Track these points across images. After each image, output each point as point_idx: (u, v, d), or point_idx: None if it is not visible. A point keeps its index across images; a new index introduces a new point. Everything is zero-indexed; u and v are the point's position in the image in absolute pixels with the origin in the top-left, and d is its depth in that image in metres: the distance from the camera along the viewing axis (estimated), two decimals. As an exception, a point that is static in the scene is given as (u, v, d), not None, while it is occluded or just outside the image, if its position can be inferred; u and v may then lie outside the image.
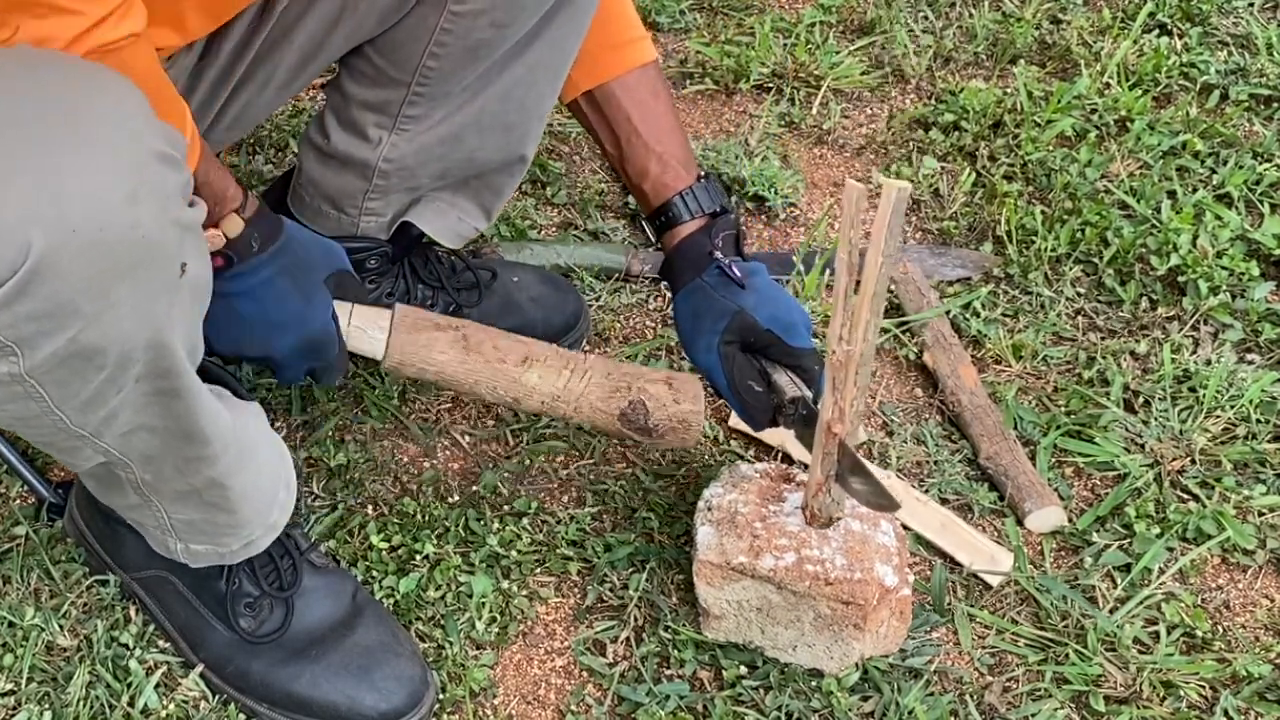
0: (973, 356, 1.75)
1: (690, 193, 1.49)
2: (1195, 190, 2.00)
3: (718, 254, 1.46)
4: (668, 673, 1.38)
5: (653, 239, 1.54)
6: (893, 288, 1.83)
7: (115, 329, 0.99)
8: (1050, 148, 2.08)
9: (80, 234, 0.93)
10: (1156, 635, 1.43)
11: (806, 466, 1.35)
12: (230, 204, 1.24)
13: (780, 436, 1.54)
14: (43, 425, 1.06)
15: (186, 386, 1.10)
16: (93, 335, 0.98)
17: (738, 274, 1.45)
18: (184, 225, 1.02)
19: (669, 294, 1.64)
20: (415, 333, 1.37)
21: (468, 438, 1.63)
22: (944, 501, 1.57)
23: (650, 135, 1.51)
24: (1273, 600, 1.50)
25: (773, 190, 1.99)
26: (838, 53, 2.28)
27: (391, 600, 1.42)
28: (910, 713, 1.33)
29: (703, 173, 1.52)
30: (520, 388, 1.38)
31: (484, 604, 1.42)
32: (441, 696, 1.35)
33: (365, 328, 1.36)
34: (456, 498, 1.54)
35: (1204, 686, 1.38)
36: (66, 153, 0.94)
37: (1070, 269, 1.88)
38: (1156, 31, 2.36)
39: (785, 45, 2.29)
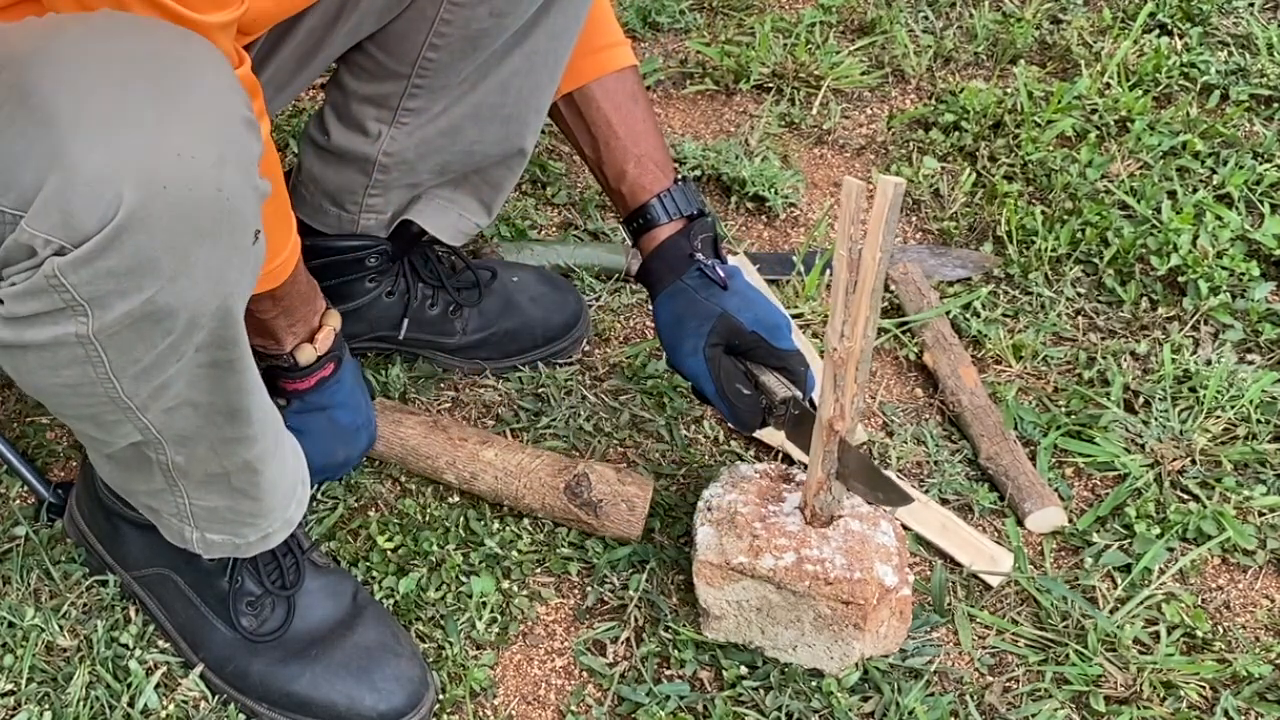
0: (973, 357, 1.75)
1: (668, 195, 1.49)
2: (1195, 190, 1.99)
3: (698, 255, 1.46)
4: (668, 673, 1.38)
5: (629, 242, 1.54)
6: (893, 288, 1.83)
7: (190, 292, 0.99)
8: (1050, 148, 2.08)
9: (170, 191, 0.94)
10: (1157, 635, 1.43)
11: (806, 466, 1.35)
12: (322, 309, 1.33)
13: (778, 437, 1.54)
14: (92, 394, 1.05)
15: (242, 359, 1.10)
16: (168, 296, 0.98)
17: (720, 275, 1.44)
18: (261, 193, 1.02)
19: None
20: (387, 411, 1.55)
21: (468, 438, 1.63)
22: (944, 502, 1.57)
23: (628, 138, 1.51)
24: (1273, 600, 1.50)
25: (773, 190, 1.99)
26: (838, 53, 2.28)
27: (391, 600, 1.42)
28: (910, 713, 1.33)
29: (679, 176, 1.51)
30: (477, 462, 1.50)
31: (484, 604, 1.42)
32: (441, 697, 1.35)
33: None
34: (456, 498, 1.54)
35: (1204, 687, 1.38)
36: (159, 112, 0.94)
37: (1070, 269, 1.88)
38: (1157, 31, 2.36)
39: (785, 45, 2.29)
